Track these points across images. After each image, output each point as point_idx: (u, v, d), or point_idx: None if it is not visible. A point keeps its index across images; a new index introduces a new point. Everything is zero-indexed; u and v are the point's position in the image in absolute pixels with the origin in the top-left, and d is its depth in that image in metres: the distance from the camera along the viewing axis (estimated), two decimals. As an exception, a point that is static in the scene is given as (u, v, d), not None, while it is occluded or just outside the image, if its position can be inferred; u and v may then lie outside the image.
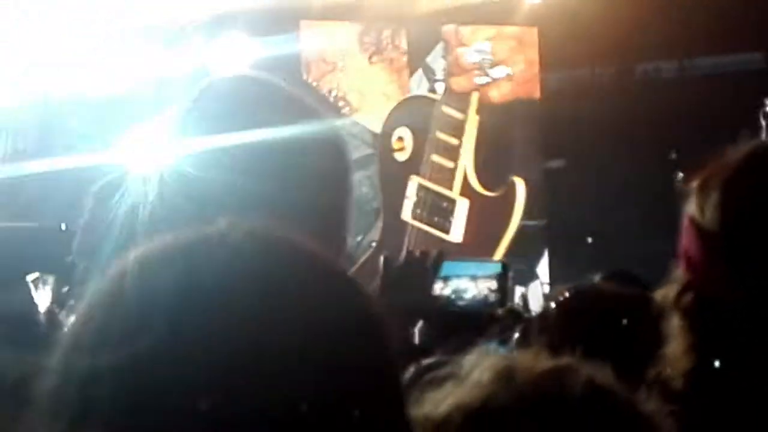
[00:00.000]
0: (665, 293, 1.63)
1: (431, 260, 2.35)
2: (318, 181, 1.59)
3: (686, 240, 1.64)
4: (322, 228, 1.54)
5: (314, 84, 8.64)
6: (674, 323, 1.60)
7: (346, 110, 8.82)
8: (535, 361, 1.22)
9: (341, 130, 1.75)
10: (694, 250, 1.61)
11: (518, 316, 3.83)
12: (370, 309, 0.93)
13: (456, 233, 7.42)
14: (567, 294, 2.21)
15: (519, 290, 5.71)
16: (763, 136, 5.70)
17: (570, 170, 9.38)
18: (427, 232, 7.45)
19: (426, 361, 2.74)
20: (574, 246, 8.72)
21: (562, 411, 1.17)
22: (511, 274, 2.52)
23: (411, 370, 2.63)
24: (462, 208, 7.50)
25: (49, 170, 7.49)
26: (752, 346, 1.52)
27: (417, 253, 2.39)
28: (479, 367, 1.21)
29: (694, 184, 1.65)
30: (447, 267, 2.43)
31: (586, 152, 9.23)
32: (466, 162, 7.61)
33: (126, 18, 8.36)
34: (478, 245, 7.19)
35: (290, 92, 1.73)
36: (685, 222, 1.66)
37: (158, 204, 1.59)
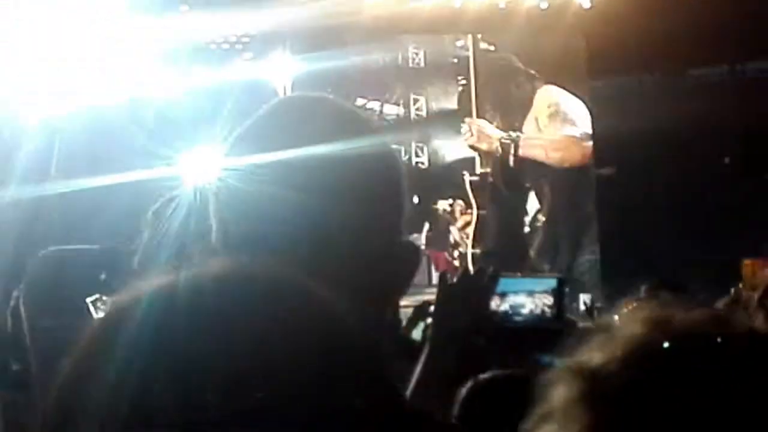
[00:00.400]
0: (738, 297, 1.58)
1: (487, 277, 2.35)
2: (370, 196, 1.57)
3: None
4: (374, 241, 1.55)
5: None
6: (758, 324, 1.55)
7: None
8: (687, 312, 1.21)
9: (391, 147, 1.74)
10: None
11: (573, 328, 3.81)
12: (364, 353, 1.02)
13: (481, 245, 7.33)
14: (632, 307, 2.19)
15: (583, 298, 5.67)
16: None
17: (621, 177, 9.32)
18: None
19: (484, 376, 2.74)
20: (627, 253, 8.66)
21: (722, 349, 1.15)
22: (567, 288, 2.50)
23: (469, 384, 2.63)
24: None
25: (100, 186, 7.55)
26: None
27: (472, 270, 2.38)
28: (631, 318, 1.22)
29: None
30: (503, 283, 2.42)
31: (638, 159, 9.16)
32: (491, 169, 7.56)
33: (177, 35, 8.42)
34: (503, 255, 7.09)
35: (347, 109, 1.72)
36: None
37: (208, 218, 1.60)
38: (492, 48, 8.87)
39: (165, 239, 2.21)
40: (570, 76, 8.86)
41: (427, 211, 7.95)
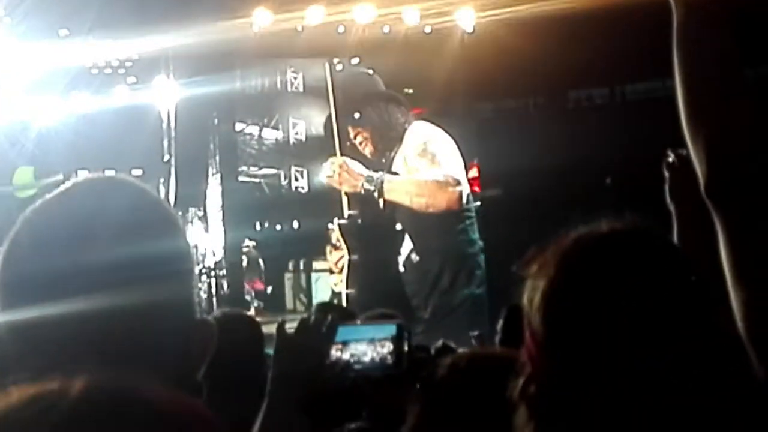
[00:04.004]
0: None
1: (326, 326, 2.34)
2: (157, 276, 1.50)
3: (526, 330, 1.60)
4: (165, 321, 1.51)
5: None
6: (521, 416, 1.57)
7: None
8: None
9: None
10: (529, 343, 1.59)
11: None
12: None
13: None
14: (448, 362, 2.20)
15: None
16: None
17: (506, 198, 9.42)
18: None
19: (350, 427, 2.75)
20: (511, 275, 8.72)
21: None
22: (406, 334, 2.50)
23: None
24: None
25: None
26: None
27: (311, 319, 2.37)
28: None
29: (529, 272, 1.61)
30: (343, 332, 2.41)
31: (522, 180, 9.27)
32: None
33: (57, 59, 8.32)
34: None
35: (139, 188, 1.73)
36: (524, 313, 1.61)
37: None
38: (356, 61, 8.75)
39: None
40: (450, 102, 8.91)
41: (307, 236, 7.87)
